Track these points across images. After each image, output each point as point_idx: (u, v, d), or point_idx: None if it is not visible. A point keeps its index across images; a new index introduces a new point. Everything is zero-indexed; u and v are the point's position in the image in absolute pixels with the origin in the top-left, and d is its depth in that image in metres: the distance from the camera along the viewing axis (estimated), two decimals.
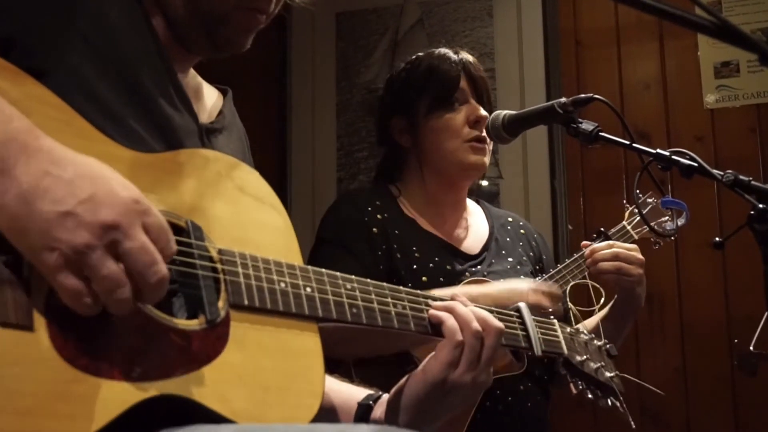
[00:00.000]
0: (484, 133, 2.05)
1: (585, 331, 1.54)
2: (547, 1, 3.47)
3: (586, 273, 2.03)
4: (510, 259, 2.12)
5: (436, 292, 1.86)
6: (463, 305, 1.28)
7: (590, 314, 1.68)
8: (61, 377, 0.83)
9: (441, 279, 1.97)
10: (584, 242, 2.10)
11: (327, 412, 1.31)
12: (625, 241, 2.10)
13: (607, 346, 1.55)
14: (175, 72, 1.20)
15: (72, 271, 0.83)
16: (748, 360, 2.09)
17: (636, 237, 2.12)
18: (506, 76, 3.50)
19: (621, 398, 1.49)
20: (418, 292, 1.27)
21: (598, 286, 1.79)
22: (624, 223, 2.15)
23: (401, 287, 1.25)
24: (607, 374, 1.50)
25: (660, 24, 3.32)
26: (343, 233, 2.00)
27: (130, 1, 1.17)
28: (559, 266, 2.04)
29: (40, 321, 0.84)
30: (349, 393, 1.36)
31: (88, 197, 0.84)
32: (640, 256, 2.03)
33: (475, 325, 1.24)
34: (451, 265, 2.02)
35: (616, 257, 2.01)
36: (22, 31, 1.02)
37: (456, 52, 2.14)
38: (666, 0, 1.07)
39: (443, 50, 2.16)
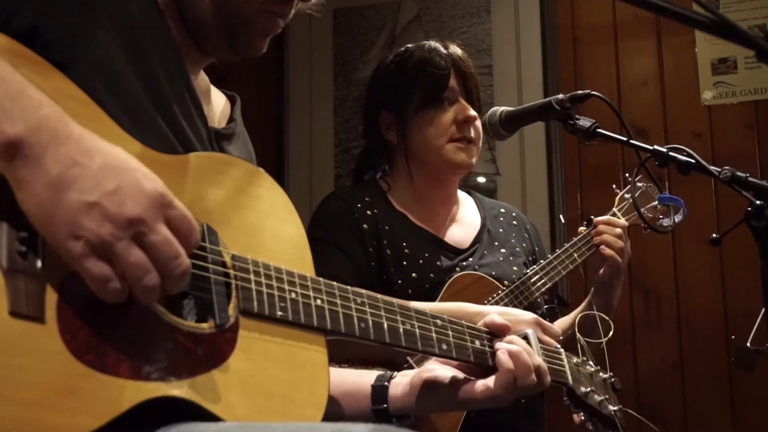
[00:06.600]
0: (472, 134, 2.05)
1: (591, 363, 1.54)
2: None
3: (594, 249, 2.05)
4: (503, 250, 2.12)
5: (440, 306, 1.87)
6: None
7: (598, 346, 1.67)
8: (67, 371, 0.83)
9: (431, 275, 1.96)
10: (581, 228, 2.11)
11: (337, 402, 1.34)
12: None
13: (612, 379, 1.55)
14: (188, 73, 1.20)
15: (98, 257, 0.84)
16: (745, 356, 2.10)
17: (626, 224, 2.11)
18: (504, 72, 3.50)
19: None
20: (427, 312, 1.28)
21: (606, 318, 1.77)
22: (614, 209, 2.14)
23: (410, 305, 1.26)
24: (611, 408, 1.50)
25: (657, 20, 3.32)
26: (334, 231, 1.98)
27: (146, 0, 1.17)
28: (566, 245, 2.04)
29: (51, 314, 0.84)
30: (359, 377, 1.39)
31: (114, 189, 0.85)
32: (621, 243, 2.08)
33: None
34: (441, 260, 2.00)
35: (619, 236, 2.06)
36: (44, 22, 1.02)
37: (446, 47, 2.11)
38: None
39: (433, 43, 2.12)
